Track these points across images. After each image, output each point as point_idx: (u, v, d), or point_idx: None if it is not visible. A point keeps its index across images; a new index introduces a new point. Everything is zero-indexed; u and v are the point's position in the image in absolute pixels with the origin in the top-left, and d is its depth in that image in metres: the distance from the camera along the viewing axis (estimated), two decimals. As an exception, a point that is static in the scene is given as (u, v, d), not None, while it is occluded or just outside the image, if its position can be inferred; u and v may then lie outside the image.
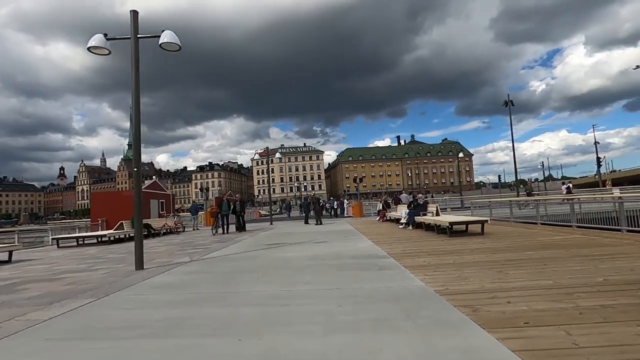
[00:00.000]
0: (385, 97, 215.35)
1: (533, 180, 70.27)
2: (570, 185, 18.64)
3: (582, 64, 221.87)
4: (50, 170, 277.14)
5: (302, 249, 7.86)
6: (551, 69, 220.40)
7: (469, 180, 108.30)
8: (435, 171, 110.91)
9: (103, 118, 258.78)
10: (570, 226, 8.73)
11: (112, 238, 12.13)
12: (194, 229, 18.74)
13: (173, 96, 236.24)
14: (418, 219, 10.51)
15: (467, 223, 8.89)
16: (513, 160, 18.06)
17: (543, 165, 67.08)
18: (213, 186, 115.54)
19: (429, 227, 10.09)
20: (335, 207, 22.08)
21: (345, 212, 23.77)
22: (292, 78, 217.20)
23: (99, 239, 12.56)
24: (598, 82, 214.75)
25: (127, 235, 12.64)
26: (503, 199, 15.75)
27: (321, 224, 13.39)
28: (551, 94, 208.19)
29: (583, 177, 75.33)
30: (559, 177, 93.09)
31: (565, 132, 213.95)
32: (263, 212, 48.19)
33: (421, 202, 11.01)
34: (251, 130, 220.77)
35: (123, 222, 13.06)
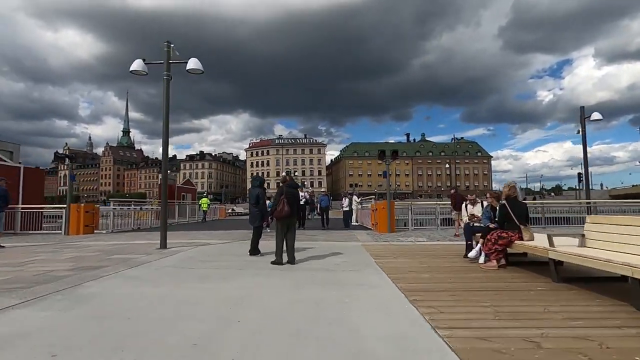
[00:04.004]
0: (391, 99, 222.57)
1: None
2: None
3: (590, 76, 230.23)
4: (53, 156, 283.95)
5: None
6: (560, 79, 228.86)
7: (486, 184, 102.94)
8: (449, 172, 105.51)
9: (108, 107, 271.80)
10: None
11: None
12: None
13: (179, 88, 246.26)
14: (521, 245, 5.41)
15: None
16: (584, 164, 13.02)
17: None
18: (202, 177, 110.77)
19: (518, 262, 5.15)
20: (346, 207, 14.53)
21: (355, 217, 16.49)
22: (298, 76, 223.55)
23: None
24: (606, 94, 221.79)
25: None
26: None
27: (293, 262, 5.77)
28: (558, 105, 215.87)
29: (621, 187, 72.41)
30: (566, 188, 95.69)
31: (570, 144, 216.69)
32: (238, 210, 42.85)
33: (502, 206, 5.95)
34: (256, 126, 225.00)
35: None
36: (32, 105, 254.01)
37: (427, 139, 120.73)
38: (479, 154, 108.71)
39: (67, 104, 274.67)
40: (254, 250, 6.76)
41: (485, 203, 6.75)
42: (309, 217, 23.93)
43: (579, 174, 34.75)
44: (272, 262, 5.79)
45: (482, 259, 5.80)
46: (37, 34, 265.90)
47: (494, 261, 5.35)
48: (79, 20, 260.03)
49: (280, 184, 6.07)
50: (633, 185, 69.29)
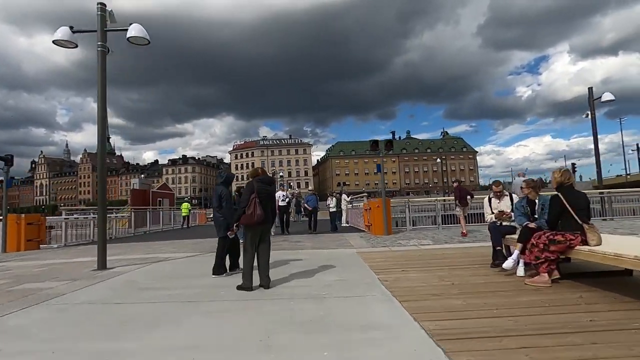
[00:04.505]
0: (375, 98, 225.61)
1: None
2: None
3: (566, 71, 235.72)
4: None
5: None
6: (537, 75, 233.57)
7: (472, 180, 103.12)
8: (436, 169, 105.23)
9: (88, 113, 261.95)
10: None
11: None
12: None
13: (162, 92, 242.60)
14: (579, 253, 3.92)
15: None
16: (595, 150, 11.88)
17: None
18: (186, 182, 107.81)
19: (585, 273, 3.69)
20: (332, 207, 12.66)
21: (345, 218, 15.41)
22: (283, 78, 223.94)
23: None
24: (581, 89, 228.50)
25: None
26: None
27: (268, 285, 4.19)
28: (536, 100, 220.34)
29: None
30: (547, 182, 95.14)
31: (550, 138, 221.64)
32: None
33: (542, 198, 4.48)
34: (241, 128, 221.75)
35: None
36: (6, 114, 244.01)
37: (412, 136, 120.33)
38: (464, 149, 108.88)
39: (44, 111, 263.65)
40: (219, 269, 5.12)
41: (514, 196, 5.27)
42: (294, 219, 22.22)
43: (573, 164, 33.87)
44: (239, 287, 4.17)
45: (520, 270, 4.31)
46: (10, 40, 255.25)
47: (545, 274, 3.86)
48: (54, 25, 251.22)
49: (250, 179, 4.45)
50: (617, 176, 69.91)
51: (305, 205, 12.15)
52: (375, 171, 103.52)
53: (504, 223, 5.06)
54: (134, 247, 9.76)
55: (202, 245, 9.34)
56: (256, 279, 4.20)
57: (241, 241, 4.63)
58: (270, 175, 5.29)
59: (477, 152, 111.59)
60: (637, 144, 49.99)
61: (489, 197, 5.36)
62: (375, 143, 9.96)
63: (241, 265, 4.58)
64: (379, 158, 10.45)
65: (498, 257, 4.63)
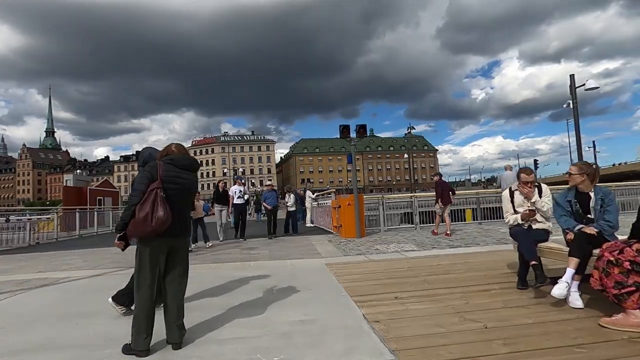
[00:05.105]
0: (339, 97, 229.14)
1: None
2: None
3: (516, 76, 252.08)
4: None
5: None
6: (490, 79, 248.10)
7: (432, 177, 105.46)
8: (398, 167, 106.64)
9: (31, 106, 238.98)
10: None
11: None
12: None
13: (116, 86, 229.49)
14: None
15: None
16: (577, 141, 11.21)
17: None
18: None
19: None
20: (290, 206, 10.79)
21: (309, 217, 13.88)
22: (246, 74, 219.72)
23: None
24: (529, 93, 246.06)
25: None
26: None
27: (179, 342, 2.43)
28: (490, 103, 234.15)
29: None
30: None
31: (501, 138, 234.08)
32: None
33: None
34: (202, 125, 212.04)
35: None
36: None
37: (375, 134, 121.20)
38: (425, 147, 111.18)
39: None
40: (120, 298, 3.24)
41: (544, 189, 3.82)
42: (254, 219, 20.07)
43: (535, 160, 34.30)
44: (126, 350, 2.36)
45: (575, 299, 2.88)
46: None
47: (636, 311, 2.41)
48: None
49: (150, 160, 2.64)
50: (563, 174, 74.08)
51: (264, 203, 10.16)
52: (340, 168, 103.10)
53: (535, 225, 3.62)
54: (37, 259, 7.48)
55: (132, 255, 7.25)
56: (157, 338, 2.41)
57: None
58: (182, 145, 3.27)
59: (437, 150, 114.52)
60: (593, 142, 52.96)
61: (509, 190, 3.89)
62: (345, 128, 8.37)
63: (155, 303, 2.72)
64: (351, 146, 8.88)
65: (537, 277, 3.15)
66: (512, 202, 3.82)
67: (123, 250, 2.59)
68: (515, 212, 3.76)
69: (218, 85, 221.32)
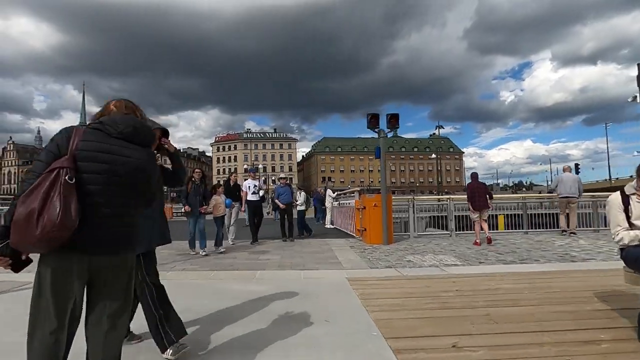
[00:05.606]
0: (361, 97, 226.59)
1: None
2: None
3: (548, 78, 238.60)
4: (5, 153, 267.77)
5: None
6: (521, 81, 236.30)
7: (458, 180, 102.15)
8: (422, 168, 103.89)
9: (67, 101, 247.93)
10: None
11: None
12: None
13: (145, 82, 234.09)
14: None
15: None
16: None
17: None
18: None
19: None
20: (300, 205, 9.75)
21: (329, 218, 12.79)
22: (269, 73, 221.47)
23: None
24: (561, 96, 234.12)
25: None
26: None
27: None
28: (519, 105, 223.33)
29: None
30: (528, 185, 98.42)
31: (530, 142, 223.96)
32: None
33: None
34: (226, 122, 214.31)
35: None
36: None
37: (398, 135, 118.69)
38: (451, 149, 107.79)
39: (20, 97, 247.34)
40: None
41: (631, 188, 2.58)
42: (272, 216, 18.94)
43: (577, 164, 31.89)
44: None
45: None
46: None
47: None
48: (32, 7, 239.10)
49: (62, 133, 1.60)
50: (597, 181, 69.57)
51: (277, 200, 9.01)
52: (362, 168, 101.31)
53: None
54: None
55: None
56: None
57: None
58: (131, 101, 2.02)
59: (463, 152, 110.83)
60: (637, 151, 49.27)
61: (621, 195, 2.67)
62: (374, 117, 7.21)
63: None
64: (380, 139, 7.69)
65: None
66: (627, 211, 2.59)
67: (14, 270, 1.53)
68: (632, 226, 2.54)
69: (241, 84, 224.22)
